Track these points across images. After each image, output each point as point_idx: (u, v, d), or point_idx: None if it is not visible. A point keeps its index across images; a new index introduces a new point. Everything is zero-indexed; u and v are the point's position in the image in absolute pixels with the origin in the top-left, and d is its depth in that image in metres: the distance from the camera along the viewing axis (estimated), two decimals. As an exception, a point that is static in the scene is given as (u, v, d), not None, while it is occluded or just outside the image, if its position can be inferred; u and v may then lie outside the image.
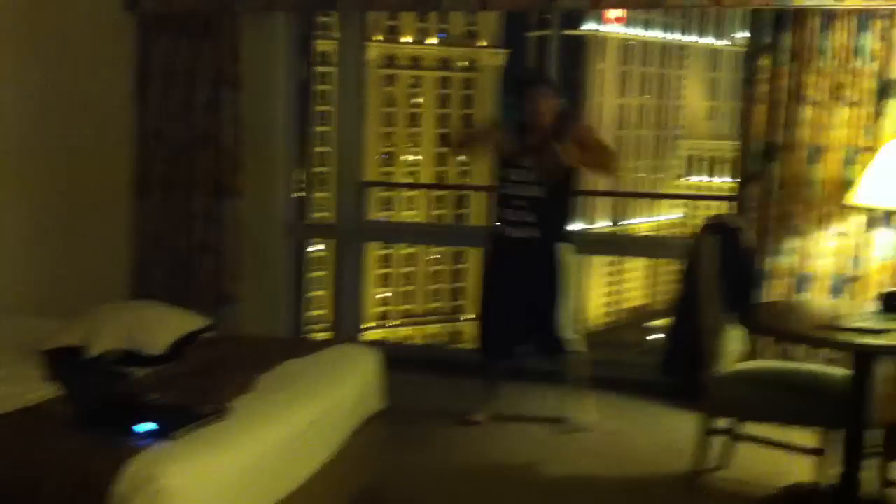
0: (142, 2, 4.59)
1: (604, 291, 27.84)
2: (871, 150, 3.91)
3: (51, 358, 2.93)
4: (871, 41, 3.86)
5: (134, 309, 3.54)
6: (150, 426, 2.36)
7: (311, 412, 2.77)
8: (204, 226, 4.71)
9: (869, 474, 3.04)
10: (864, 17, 3.85)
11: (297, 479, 2.67)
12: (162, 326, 3.22)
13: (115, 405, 2.44)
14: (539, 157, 3.90)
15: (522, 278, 3.95)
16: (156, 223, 4.76)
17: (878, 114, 3.90)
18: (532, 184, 3.91)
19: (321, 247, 6.09)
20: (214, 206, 4.70)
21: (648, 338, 6.45)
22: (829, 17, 3.89)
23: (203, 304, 4.64)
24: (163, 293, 4.65)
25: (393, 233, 6.28)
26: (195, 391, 2.72)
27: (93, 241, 4.71)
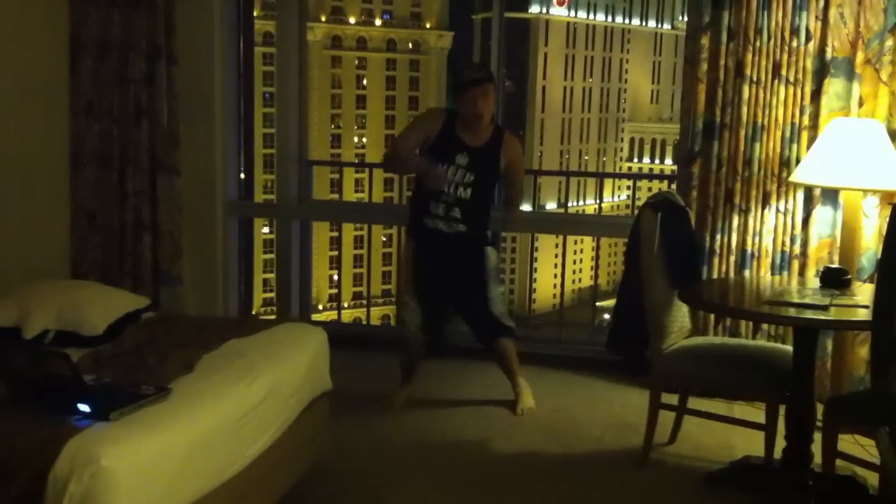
0: (71, -27, 4.46)
1: (553, 273, 28.05)
2: (810, 128, 3.97)
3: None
4: (808, 21, 3.91)
5: (71, 288, 3.45)
6: (86, 407, 2.30)
7: (255, 392, 2.72)
8: (140, 203, 4.60)
9: (815, 447, 3.09)
10: (801, -3, 3.90)
11: (243, 460, 2.63)
12: (99, 306, 3.15)
13: (52, 386, 2.37)
14: (477, 158, 3.87)
15: (450, 265, 3.94)
16: (91, 200, 4.64)
17: (816, 93, 3.96)
18: (463, 185, 3.86)
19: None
20: (150, 183, 4.60)
21: (599, 317, 6.51)
22: (767, -4, 3.93)
23: (142, 284, 4.55)
24: (100, 272, 4.55)
25: (337, 212, 6.18)
26: (135, 371, 2.67)
27: (32, 218, 4.56)
